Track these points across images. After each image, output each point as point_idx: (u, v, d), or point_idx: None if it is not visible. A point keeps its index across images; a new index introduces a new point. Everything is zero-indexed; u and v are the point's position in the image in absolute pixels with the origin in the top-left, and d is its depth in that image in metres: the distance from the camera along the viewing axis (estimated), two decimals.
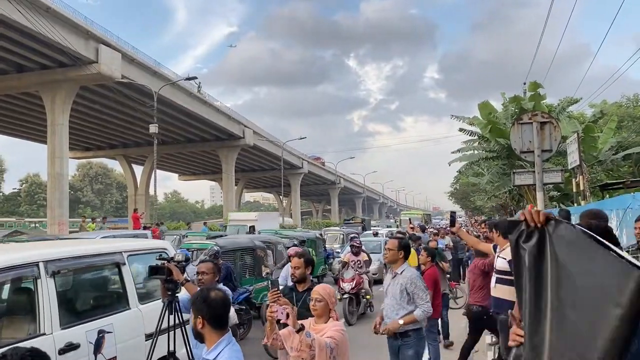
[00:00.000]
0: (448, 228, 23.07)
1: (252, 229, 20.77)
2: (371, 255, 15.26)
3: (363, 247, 12.50)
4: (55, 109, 28.38)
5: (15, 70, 27.92)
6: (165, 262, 4.58)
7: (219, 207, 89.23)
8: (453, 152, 21.03)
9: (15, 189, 78.39)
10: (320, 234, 20.58)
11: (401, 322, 4.71)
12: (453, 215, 6.65)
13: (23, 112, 35.48)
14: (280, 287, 4.32)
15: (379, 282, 15.51)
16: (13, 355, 2.03)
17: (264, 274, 10.19)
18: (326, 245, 19.16)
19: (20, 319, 4.20)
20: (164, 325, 4.45)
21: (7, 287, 4.25)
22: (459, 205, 57.35)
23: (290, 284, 5.77)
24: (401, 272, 4.85)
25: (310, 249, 13.80)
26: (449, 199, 64.94)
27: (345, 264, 10.86)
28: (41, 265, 4.11)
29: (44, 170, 31.49)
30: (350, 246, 11.75)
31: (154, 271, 4.56)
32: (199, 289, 4.13)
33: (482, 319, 6.22)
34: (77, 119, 35.01)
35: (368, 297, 10.94)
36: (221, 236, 12.13)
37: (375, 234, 22.28)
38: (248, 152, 53.42)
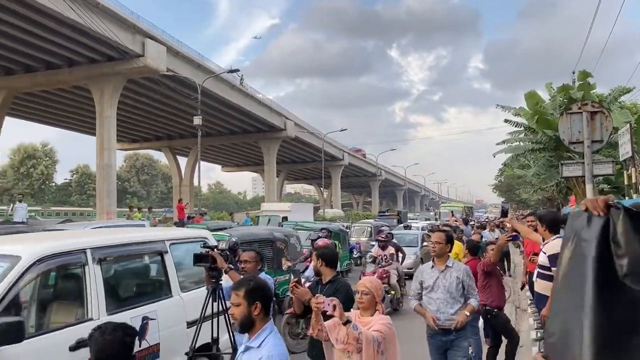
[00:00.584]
0: (497, 220, 22.51)
1: (284, 220, 20.75)
2: (408, 249, 14.93)
3: (395, 241, 12.19)
4: (104, 102, 29.23)
5: (67, 64, 28.90)
6: (210, 250, 4.67)
7: (260, 198, 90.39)
8: (498, 144, 20.50)
9: (66, 179, 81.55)
10: (346, 227, 20.10)
11: (467, 313, 4.64)
12: (504, 206, 6.72)
13: (73, 105, 36.71)
14: (310, 281, 4.33)
15: None
16: (107, 327, 2.43)
17: (284, 267, 9.78)
18: (352, 239, 18.56)
19: (69, 304, 4.33)
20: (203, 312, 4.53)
21: (57, 273, 4.39)
22: (504, 198, 56.11)
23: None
24: (452, 265, 4.78)
25: (335, 242, 13.53)
26: (493, 192, 63.66)
27: (374, 259, 10.63)
28: (88, 252, 4.23)
29: (93, 161, 32.61)
30: (376, 240, 11.43)
31: (198, 259, 4.65)
32: (242, 277, 4.18)
33: (486, 318, 6.16)
34: (124, 111, 35.96)
35: (393, 292, 10.41)
36: (224, 228, 11.48)
37: (407, 227, 21.89)
38: (289, 143, 53.73)
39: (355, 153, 75.24)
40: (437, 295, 4.72)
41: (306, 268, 9.34)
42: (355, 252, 16.97)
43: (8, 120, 33.31)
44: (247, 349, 2.66)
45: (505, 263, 15.12)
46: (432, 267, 4.85)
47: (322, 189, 71.44)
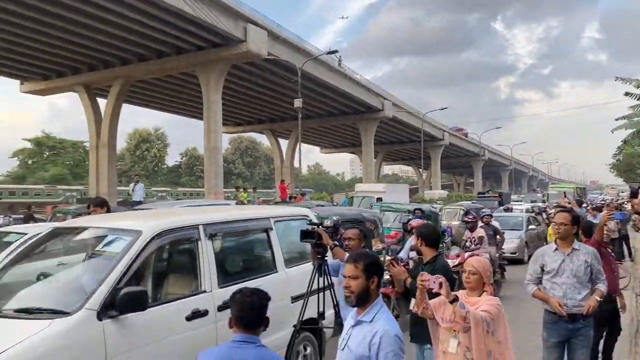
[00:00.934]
0: (616, 201, 20.96)
1: (379, 201, 20.46)
2: (511, 232, 14.16)
3: (496, 223, 11.61)
4: (210, 87, 30.60)
5: (175, 52, 30.53)
6: (316, 227, 4.80)
7: (358, 179, 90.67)
8: (617, 119, 18.89)
9: (176, 161, 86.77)
10: (438, 209, 19.22)
11: (598, 298, 4.35)
12: (633, 186, 6.33)
13: (181, 91, 38.80)
14: (403, 262, 4.30)
15: (519, 262, 14.28)
16: (247, 290, 2.79)
17: (374, 248, 9.44)
18: (442, 222, 17.78)
19: (183, 276, 4.62)
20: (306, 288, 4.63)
21: (173, 247, 4.68)
22: (622, 178, 51.75)
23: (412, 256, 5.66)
24: (579, 248, 4.46)
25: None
26: (610, 171, 58.86)
27: (462, 242, 10.16)
28: (201, 228, 4.47)
29: (200, 144, 34.39)
30: (463, 222, 10.88)
31: (305, 235, 4.81)
32: (347, 254, 4.27)
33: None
34: (228, 95, 37.43)
35: None
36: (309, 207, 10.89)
37: (507, 210, 20.82)
38: (387, 124, 53.22)
39: (456, 132, 72.99)
40: (562, 280, 4.40)
41: (400, 249, 9.22)
42: (446, 236, 16.27)
43: (123, 107, 35.98)
44: (359, 322, 2.66)
45: (625, 247, 14.06)
46: (555, 249, 4.51)
47: (420, 170, 70.20)
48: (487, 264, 3.55)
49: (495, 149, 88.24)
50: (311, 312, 4.94)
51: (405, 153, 76.69)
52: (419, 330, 3.88)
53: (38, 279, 4.22)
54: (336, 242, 4.86)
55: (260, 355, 2.59)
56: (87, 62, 32.48)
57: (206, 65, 30.32)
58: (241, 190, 24.33)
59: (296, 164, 37.29)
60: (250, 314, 2.69)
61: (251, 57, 29.95)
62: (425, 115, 52.45)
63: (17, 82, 36.56)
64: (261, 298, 2.77)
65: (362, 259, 2.70)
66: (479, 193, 41.30)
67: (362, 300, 2.63)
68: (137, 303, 3.54)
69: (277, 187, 32.52)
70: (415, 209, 12.66)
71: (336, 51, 33.58)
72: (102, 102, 35.25)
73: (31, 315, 3.46)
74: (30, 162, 60.27)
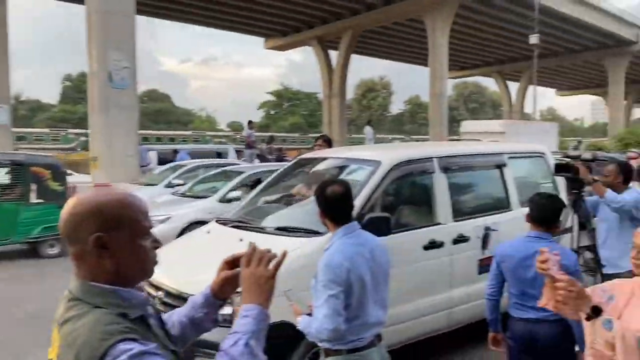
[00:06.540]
0: None
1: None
2: None
3: None
4: (436, 32, 29.75)
5: None
6: (572, 160, 4.63)
7: (601, 125, 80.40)
8: None
9: (400, 109, 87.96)
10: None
11: None
12: None
13: (406, 37, 38.49)
14: None
15: None
16: (542, 194, 3.21)
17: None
18: None
19: (419, 208, 4.74)
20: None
21: (409, 179, 4.70)
22: None
23: None
24: None
25: None
26: None
27: None
28: (435, 160, 4.51)
29: (423, 92, 34.08)
30: None
31: (560, 169, 4.66)
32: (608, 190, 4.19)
33: None
34: (454, 39, 35.84)
35: None
36: None
37: None
38: None
39: None
40: None
41: None
42: None
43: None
44: None
45: None
46: None
47: None
48: None
49: None
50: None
51: None
52: None
53: (289, 204, 4.79)
54: (596, 177, 4.44)
55: (553, 248, 2.41)
56: (320, 16, 34.20)
57: (434, 9, 29.51)
58: None
59: (530, 108, 34.67)
60: (544, 213, 3.04)
61: None
62: None
63: (262, 40, 40.71)
64: (555, 201, 3.14)
65: None
66: None
67: None
68: (382, 228, 3.63)
69: None
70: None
71: None
72: (333, 55, 37.18)
73: (289, 233, 3.97)
74: (272, 112, 67.43)
